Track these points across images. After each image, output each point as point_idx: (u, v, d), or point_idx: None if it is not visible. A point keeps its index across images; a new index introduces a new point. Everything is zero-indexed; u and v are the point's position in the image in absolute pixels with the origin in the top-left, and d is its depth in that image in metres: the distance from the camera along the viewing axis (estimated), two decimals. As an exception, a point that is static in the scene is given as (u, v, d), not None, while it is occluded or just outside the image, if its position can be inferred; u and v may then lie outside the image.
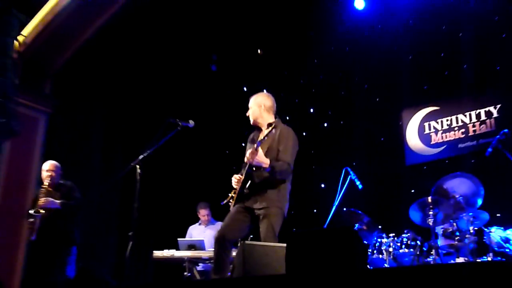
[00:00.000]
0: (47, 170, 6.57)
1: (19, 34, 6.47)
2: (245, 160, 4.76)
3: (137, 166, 4.95)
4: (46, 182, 6.48)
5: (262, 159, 4.64)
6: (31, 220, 6.24)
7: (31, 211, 6.27)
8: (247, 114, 5.16)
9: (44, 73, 8.35)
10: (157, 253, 6.84)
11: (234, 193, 4.78)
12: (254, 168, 4.74)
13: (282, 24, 9.01)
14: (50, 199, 6.31)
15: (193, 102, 9.23)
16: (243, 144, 9.58)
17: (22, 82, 7.60)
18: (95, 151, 8.87)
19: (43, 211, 6.23)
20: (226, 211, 4.92)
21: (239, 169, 4.93)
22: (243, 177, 4.74)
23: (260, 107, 5.06)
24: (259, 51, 9.63)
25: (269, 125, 4.85)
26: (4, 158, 7.65)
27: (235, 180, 4.82)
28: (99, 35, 8.20)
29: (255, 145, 4.68)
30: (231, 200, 4.79)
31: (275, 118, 5.08)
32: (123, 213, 8.46)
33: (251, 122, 5.13)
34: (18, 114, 6.39)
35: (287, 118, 9.54)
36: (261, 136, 4.79)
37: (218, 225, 7.86)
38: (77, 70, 8.59)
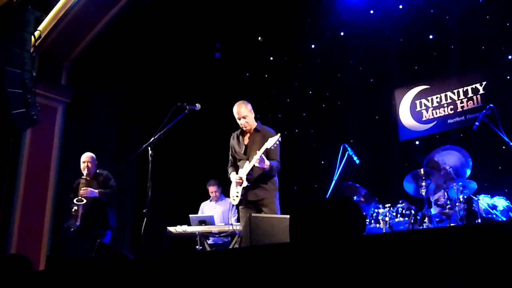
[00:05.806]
0: (83, 162, 6.65)
1: (35, 29, 6.45)
2: (248, 164, 5.21)
3: (149, 148, 4.95)
4: (84, 173, 6.58)
5: (267, 163, 5.09)
6: (75, 208, 6.37)
7: (74, 200, 6.38)
8: (241, 124, 5.39)
9: (60, 65, 8.36)
10: (170, 229, 6.86)
11: (237, 191, 5.23)
12: (253, 170, 5.18)
13: (280, 12, 8.95)
14: (90, 189, 6.43)
15: (200, 87, 9.21)
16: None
17: (39, 74, 7.61)
18: (111, 134, 8.89)
19: (85, 200, 6.36)
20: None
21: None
22: (245, 178, 5.21)
23: (252, 114, 5.41)
24: (259, 38, 9.57)
25: (255, 130, 5.36)
26: (26, 145, 7.70)
27: (237, 181, 5.24)
28: (112, 26, 8.18)
29: (258, 153, 5.08)
30: (235, 197, 5.25)
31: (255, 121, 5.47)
32: (139, 192, 8.51)
33: (246, 129, 5.41)
34: (37, 104, 6.43)
35: (288, 100, 9.58)
36: (247, 140, 5.39)
37: (227, 201, 7.87)
38: (94, 58, 8.59)
